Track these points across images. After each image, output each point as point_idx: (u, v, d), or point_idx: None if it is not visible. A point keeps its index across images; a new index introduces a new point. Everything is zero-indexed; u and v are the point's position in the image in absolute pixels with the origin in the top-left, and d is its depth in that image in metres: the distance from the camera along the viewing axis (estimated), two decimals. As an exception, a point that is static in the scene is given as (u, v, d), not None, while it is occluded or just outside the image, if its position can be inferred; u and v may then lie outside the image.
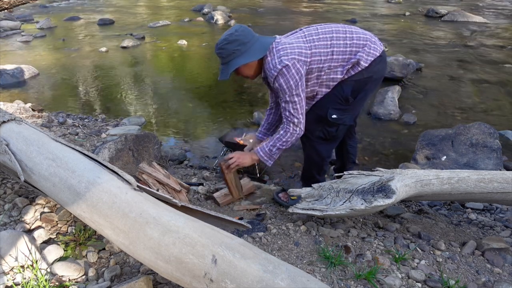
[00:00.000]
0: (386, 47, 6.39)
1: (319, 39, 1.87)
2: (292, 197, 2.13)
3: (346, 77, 1.92)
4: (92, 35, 7.81)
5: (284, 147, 1.99)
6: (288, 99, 1.87)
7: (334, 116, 1.98)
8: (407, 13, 9.40)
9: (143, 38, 7.44)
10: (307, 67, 1.86)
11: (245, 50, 1.86)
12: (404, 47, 6.52)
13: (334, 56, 1.87)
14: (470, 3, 10.83)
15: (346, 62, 1.89)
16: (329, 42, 1.86)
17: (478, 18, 8.55)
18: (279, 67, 1.81)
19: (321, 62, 1.87)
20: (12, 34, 7.88)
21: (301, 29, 1.96)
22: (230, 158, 2.09)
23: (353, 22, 8.48)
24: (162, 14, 10.04)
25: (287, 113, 1.91)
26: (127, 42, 6.89)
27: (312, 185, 1.92)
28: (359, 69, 1.89)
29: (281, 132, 1.97)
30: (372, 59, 1.90)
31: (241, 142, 2.96)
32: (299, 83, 1.83)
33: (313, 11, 10.04)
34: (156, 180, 2.14)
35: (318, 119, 2.01)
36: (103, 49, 6.63)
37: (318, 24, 1.99)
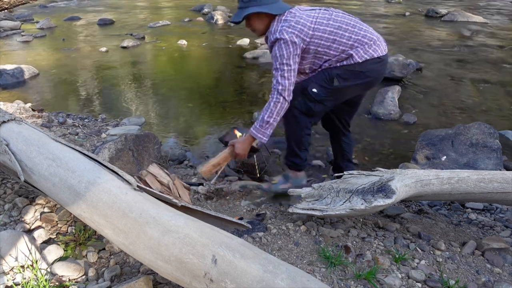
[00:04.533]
0: (386, 47, 6.39)
1: (327, 25, 1.97)
2: (273, 182, 2.25)
3: (339, 64, 2.01)
4: (92, 35, 7.81)
5: (271, 119, 2.01)
6: (278, 66, 1.96)
7: (314, 90, 2.05)
8: (407, 13, 9.40)
9: (143, 38, 7.44)
10: (305, 46, 1.96)
11: (265, 3, 1.98)
12: (404, 47, 6.52)
13: (334, 45, 1.98)
14: (470, 3, 10.84)
15: (342, 52, 1.99)
16: (334, 31, 1.97)
17: (478, 18, 8.55)
18: (278, 36, 1.93)
19: (320, 46, 1.98)
20: (12, 34, 7.87)
21: (319, 9, 2.05)
22: (238, 157, 2.20)
23: (353, 22, 8.48)
24: (162, 14, 10.04)
25: (274, 81, 1.99)
26: (127, 42, 6.89)
27: (312, 185, 1.92)
28: (352, 62, 1.98)
29: (266, 104, 2.03)
30: (368, 57, 1.98)
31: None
32: (291, 55, 1.93)
33: (313, 11, 10.04)
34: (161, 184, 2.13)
35: (301, 90, 2.09)
36: (103, 49, 6.63)
37: (335, 10, 2.08)
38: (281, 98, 1.97)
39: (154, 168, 2.16)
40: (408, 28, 8.09)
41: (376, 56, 2.00)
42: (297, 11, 2.00)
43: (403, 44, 6.79)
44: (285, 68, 1.95)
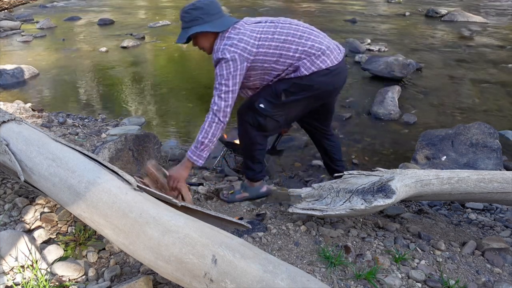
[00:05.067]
0: (386, 47, 6.39)
1: (272, 39, 1.89)
2: (230, 192, 2.31)
3: (287, 77, 1.96)
4: (92, 35, 7.80)
5: (206, 140, 1.91)
6: (217, 86, 1.89)
7: (261, 105, 2.00)
8: (407, 13, 9.40)
9: (143, 38, 7.44)
10: (249, 64, 1.89)
11: (208, 20, 1.89)
12: (404, 47, 6.52)
13: (281, 60, 1.91)
14: (470, 3, 10.83)
15: (290, 66, 1.93)
16: (280, 45, 1.89)
17: (478, 18, 8.54)
18: (220, 55, 1.86)
19: (266, 62, 1.91)
20: (12, 34, 7.87)
21: (265, 22, 1.97)
22: (172, 182, 2.00)
23: (353, 22, 8.48)
24: (162, 14, 10.04)
25: (212, 100, 1.92)
26: (127, 42, 6.89)
27: (312, 185, 1.92)
28: (299, 74, 1.92)
29: (202, 125, 1.95)
30: (316, 69, 1.91)
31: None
32: (231, 75, 1.85)
33: (313, 10, 10.05)
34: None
35: (250, 105, 2.05)
36: (103, 49, 6.63)
37: (286, 19, 2.00)
38: (216, 118, 1.89)
39: (152, 165, 2.12)
40: (408, 28, 8.09)
41: (324, 68, 1.91)
42: (242, 27, 1.91)
43: (403, 44, 6.79)
44: (223, 88, 1.87)
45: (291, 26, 1.95)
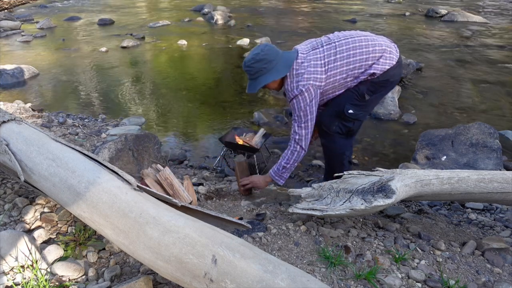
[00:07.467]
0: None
1: (335, 60, 2.01)
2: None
3: (362, 78, 2.07)
4: (92, 35, 7.81)
5: (288, 165, 2.16)
6: (295, 118, 2.07)
7: (350, 111, 2.11)
8: (407, 13, 9.40)
9: (143, 38, 7.44)
10: (321, 90, 2.04)
11: (271, 67, 2.03)
12: (404, 47, 6.52)
13: (349, 73, 2.02)
14: (470, 3, 10.83)
15: (361, 74, 2.04)
16: (344, 62, 2.00)
17: (478, 18, 8.55)
18: (296, 92, 2.01)
19: (336, 82, 2.05)
20: (12, 34, 7.87)
21: (322, 45, 2.05)
22: (247, 182, 2.36)
23: (353, 22, 8.48)
24: (162, 14, 10.04)
25: (292, 131, 2.11)
26: (127, 42, 6.89)
27: (312, 185, 1.92)
28: (375, 76, 2.05)
29: (285, 150, 2.17)
30: (388, 67, 2.03)
31: (241, 141, 2.96)
32: (308, 105, 2.02)
33: (313, 11, 10.05)
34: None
35: (335, 114, 2.14)
36: (103, 49, 6.63)
37: (338, 35, 2.08)
38: (298, 147, 2.10)
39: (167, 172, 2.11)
40: (408, 28, 8.09)
41: (394, 63, 2.05)
42: (304, 60, 2.01)
43: (403, 44, 6.79)
44: (302, 118, 2.04)
45: (347, 40, 2.03)
